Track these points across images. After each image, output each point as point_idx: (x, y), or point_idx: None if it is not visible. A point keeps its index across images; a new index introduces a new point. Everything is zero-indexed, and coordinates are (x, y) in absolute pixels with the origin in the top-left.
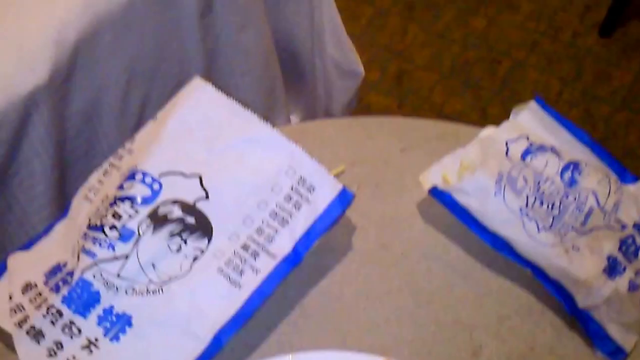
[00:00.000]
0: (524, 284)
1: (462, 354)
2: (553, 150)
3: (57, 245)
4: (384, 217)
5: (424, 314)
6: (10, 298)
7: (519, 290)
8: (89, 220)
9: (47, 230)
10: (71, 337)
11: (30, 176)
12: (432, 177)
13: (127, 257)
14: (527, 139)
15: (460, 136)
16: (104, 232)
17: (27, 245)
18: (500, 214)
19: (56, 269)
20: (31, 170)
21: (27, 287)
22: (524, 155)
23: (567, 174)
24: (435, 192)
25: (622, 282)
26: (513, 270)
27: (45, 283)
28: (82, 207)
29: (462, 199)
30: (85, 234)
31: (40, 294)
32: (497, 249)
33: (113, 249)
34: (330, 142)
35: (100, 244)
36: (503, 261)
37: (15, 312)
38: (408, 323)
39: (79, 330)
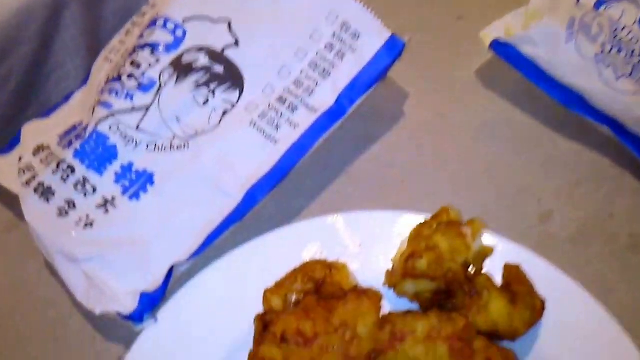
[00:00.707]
0: (598, 147)
1: (530, 221)
2: None
3: (75, 109)
4: (441, 83)
5: (484, 181)
6: (20, 159)
7: (592, 154)
8: (107, 76)
9: (67, 98)
10: (85, 194)
11: (65, 78)
12: (494, 31)
13: (147, 108)
14: None
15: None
16: (120, 80)
17: (46, 114)
18: (572, 62)
19: (71, 130)
20: (66, 73)
21: (39, 149)
22: (597, 5)
23: None
24: (497, 46)
25: None
26: (585, 134)
27: (59, 143)
28: (102, 69)
29: (528, 50)
30: (102, 90)
31: (52, 154)
32: (569, 106)
33: (131, 98)
34: (384, 7)
35: (117, 94)
36: (574, 124)
37: (24, 172)
38: (465, 190)
39: (94, 189)
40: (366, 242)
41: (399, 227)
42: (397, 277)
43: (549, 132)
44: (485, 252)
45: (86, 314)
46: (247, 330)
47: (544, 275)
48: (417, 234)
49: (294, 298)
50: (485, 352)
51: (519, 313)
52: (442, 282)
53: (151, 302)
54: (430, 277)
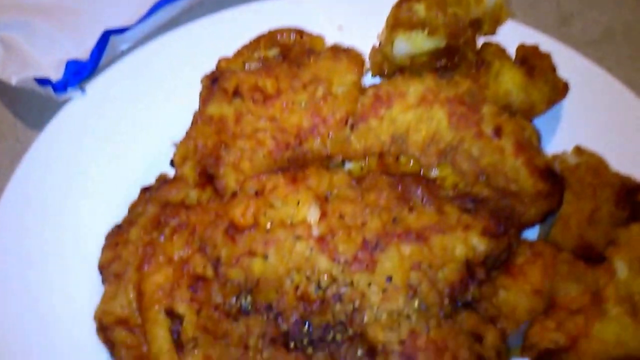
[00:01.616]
0: None
1: (549, 22)
2: None
3: None
4: None
5: None
6: None
7: None
8: None
9: None
10: None
11: None
12: None
13: None
14: None
15: None
16: None
17: None
18: None
19: None
20: None
21: None
22: None
23: None
24: None
25: None
26: None
27: None
28: None
29: None
30: None
31: None
32: None
33: None
34: None
35: None
36: None
37: None
38: None
39: None
40: (348, 24)
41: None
42: (386, 33)
43: None
44: (500, 12)
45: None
46: (187, 118)
47: (566, 61)
48: None
49: (254, 65)
50: (494, 120)
51: (538, 87)
52: (443, 36)
53: (79, 72)
54: (430, 27)
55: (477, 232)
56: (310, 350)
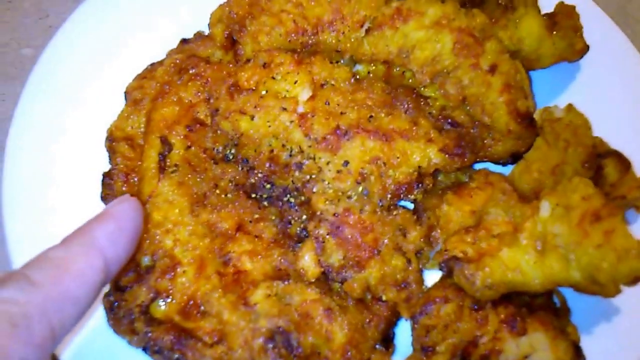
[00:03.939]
0: None
1: None
2: None
3: None
4: None
5: None
6: None
7: None
8: None
9: None
10: None
11: None
12: None
13: None
14: None
15: None
16: None
17: None
18: None
19: None
20: None
21: None
22: None
23: None
24: None
25: None
26: None
27: None
28: None
29: None
30: None
31: None
32: None
33: None
34: None
35: None
36: None
37: None
38: None
39: None
40: None
41: None
42: None
43: None
44: None
45: None
46: None
47: (597, 24)
48: None
49: None
50: (494, 57)
51: (553, 41)
52: None
53: None
54: None
55: (437, 147)
56: (265, 203)
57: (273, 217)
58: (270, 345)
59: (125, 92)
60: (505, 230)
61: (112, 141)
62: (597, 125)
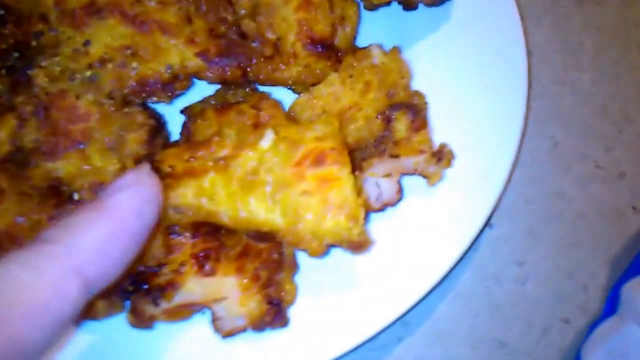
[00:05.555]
0: None
1: None
2: None
3: None
4: None
5: None
6: None
7: None
8: None
9: None
10: None
11: None
12: None
13: None
14: None
15: None
16: None
17: None
18: None
19: None
20: None
21: None
22: None
23: None
24: None
25: None
26: None
27: None
28: None
29: None
30: None
31: None
32: None
33: None
34: None
35: None
36: None
37: None
38: None
39: None
40: None
41: None
42: None
43: None
44: None
45: None
46: None
47: None
48: None
49: None
50: None
51: None
52: None
53: None
54: None
55: (194, 51)
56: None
57: None
58: None
59: None
60: (229, 155)
61: None
62: (432, 84)
